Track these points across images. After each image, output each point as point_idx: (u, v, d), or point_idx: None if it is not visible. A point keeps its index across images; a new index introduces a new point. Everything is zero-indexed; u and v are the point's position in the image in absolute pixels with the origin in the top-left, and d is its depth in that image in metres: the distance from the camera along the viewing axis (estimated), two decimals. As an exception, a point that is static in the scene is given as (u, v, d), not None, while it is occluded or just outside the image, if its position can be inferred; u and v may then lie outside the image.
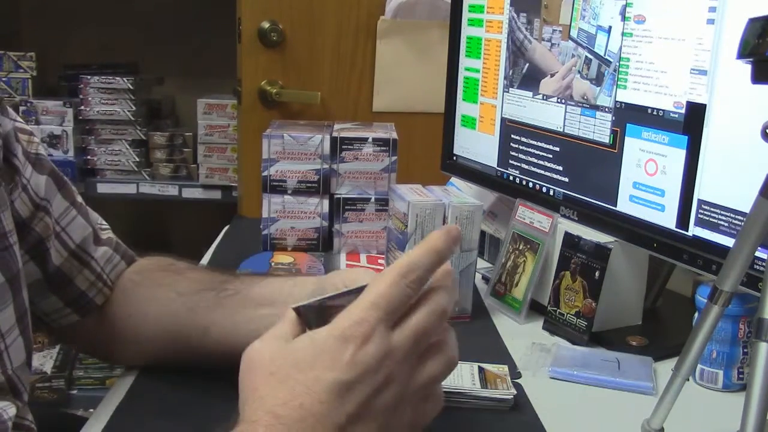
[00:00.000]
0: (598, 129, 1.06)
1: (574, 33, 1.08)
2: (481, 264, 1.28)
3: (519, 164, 1.21)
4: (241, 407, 0.56)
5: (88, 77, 2.30)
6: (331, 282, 0.75)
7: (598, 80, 1.05)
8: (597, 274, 1.02)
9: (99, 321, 0.86)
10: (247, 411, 0.55)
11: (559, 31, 1.11)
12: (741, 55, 0.62)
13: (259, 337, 0.79)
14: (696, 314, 0.89)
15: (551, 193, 1.15)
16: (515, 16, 1.18)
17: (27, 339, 0.74)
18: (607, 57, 1.03)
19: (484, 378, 0.86)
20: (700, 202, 0.91)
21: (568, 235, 1.07)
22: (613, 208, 1.04)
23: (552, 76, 1.13)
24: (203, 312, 0.82)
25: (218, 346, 0.81)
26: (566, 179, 1.13)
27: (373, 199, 1.36)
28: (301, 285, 0.79)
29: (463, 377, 0.85)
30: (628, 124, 1.01)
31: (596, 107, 1.05)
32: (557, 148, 1.14)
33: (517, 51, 1.19)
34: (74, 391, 2.43)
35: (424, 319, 0.58)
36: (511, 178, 1.24)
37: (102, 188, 2.35)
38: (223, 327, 0.81)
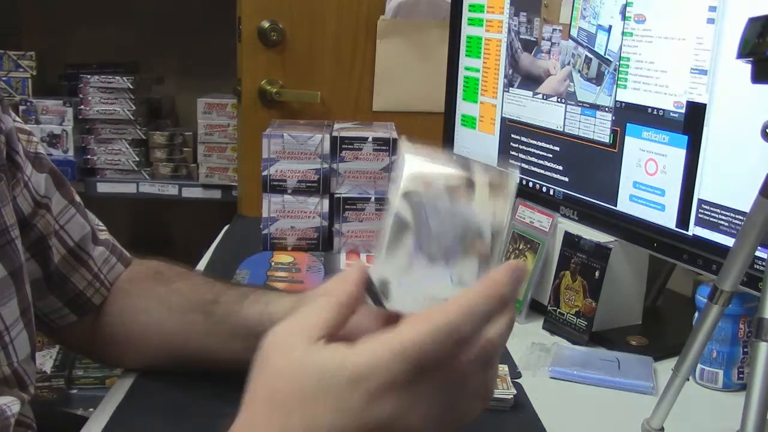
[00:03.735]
0: (598, 129, 1.06)
1: (574, 32, 1.08)
2: (481, 263, 1.27)
3: (519, 164, 1.21)
4: (241, 408, 0.51)
5: (88, 76, 2.30)
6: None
7: (598, 79, 1.05)
8: (597, 273, 1.02)
9: (96, 323, 0.86)
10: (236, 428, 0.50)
11: (559, 30, 1.11)
12: (741, 54, 0.62)
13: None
14: (696, 314, 0.89)
15: (551, 192, 1.15)
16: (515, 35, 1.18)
17: (31, 332, 0.74)
18: (607, 56, 1.03)
19: (484, 378, 0.86)
20: (700, 201, 0.91)
21: (568, 235, 1.07)
22: (613, 207, 1.04)
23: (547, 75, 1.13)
24: (197, 337, 0.82)
25: (219, 368, 0.81)
26: (566, 179, 1.12)
27: (373, 199, 1.36)
28: (280, 304, 0.78)
29: (463, 377, 0.85)
30: (628, 124, 1.01)
31: (596, 107, 1.05)
32: (557, 148, 1.13)
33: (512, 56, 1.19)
34: (74, 391, 2.43)
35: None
36: (511, 177, 1.23)
37: (102, 188, 2.34)
38: (221, 355, 0.81)
